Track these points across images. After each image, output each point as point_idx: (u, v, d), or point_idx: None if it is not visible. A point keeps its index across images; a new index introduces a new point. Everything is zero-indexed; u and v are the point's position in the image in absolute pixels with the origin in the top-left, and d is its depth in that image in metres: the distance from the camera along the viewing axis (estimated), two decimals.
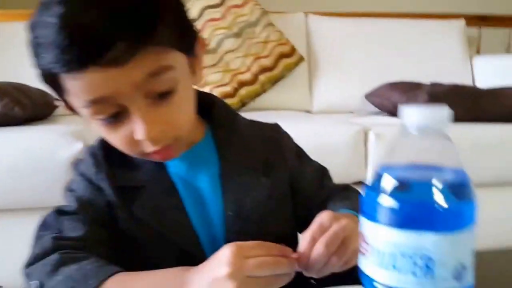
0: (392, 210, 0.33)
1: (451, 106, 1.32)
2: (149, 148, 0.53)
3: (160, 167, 0.61)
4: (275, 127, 0.72)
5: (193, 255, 0.60)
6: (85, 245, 0.56)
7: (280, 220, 0.66)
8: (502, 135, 1.44)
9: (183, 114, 0.55)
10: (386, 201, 0.33)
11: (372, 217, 0.35)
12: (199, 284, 0.46)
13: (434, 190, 0.33)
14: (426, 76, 1.65)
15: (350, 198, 0.66)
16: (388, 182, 0.34)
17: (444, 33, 2.05)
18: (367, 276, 0.35)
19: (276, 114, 1.69)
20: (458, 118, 1.48)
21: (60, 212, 0.59)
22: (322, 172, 0.72)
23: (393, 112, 1.59)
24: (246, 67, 1.70)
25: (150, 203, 0.60)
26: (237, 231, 0.61)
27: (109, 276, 0.50)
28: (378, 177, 0.35)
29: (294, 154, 0.71)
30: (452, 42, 2.04)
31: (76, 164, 0.63)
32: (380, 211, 0.34)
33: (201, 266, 0.48)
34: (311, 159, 0.73)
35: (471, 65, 2.03)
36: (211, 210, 0.63)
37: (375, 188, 0.35)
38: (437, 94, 1.49)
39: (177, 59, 0.52)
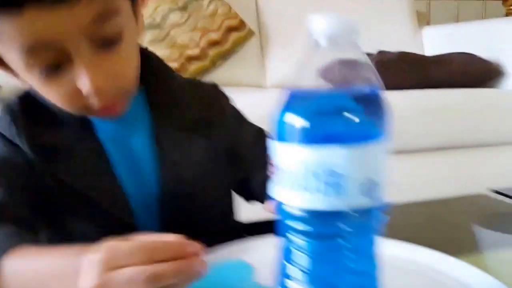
0: (298, 126, 0.31)
1: (399, 73, 1.34)
2: (94, 102, 0.48)
3: (87, 127, 0.57)
4: (214, 87, 0.69)
5: (123, 221, 0.57)
6: (2, 211, 0.51)
7: (217, 183, 0.64)
8: (448, 100, 1.47)
9: (130, 64, 0.52)
10: (291, 118, 0.31)
11: (280, 137, 0.33)
12: (88, 278, 0.37)
13: (341, 102, 0.31)
14: (377, 49, 1.66)
15: None
16: (294, 98, 0.32)
17: (393, 6, 2.07)
18: (277, 201, 0.33)
19: (228, 89, 1.65)
20: (406, 85, 1.52)
21: None
22: (261, 133, 0.69)
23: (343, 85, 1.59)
24: (194, 42, 1.65)
25: (75, 166, 0.56)
26: (172, 194, 0.58)
27: (9, 250, 0.45)
28: (285, 95, 0.33)
29: (233, 115, 0.68)
30: (402, 15, 2.07)
31: None
32: (286, 128, 0.32)
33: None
34: (249, 122, 0.70)
35: (421, 36, 2.07)
36: (145, 173, 0.59)
37: (283, 106, 0.33)
38: (384, 62, 1.50)
39: (123, 3, 0.49)
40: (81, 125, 0.56)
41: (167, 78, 0.64)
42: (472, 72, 1.59)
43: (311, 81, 0.33)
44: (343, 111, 0.31)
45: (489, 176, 1.49)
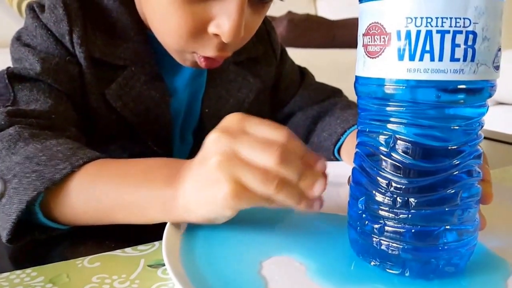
0: None
1: (309, 32, 1.33)
2: (210, 49, 0.43)
3: (146, 48, 0.49)
4: (266, 19, 0.63)
5: (158, 155, 0.49)
6: (51, 123, 0.41)
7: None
8: (353, 59, 1.52)
9: (259, 24, 0.48)
10: None
11: None
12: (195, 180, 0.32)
13: None
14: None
15: (350, 106, 0.60)
16: None
17: None
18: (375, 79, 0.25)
19: None
20: (314, 44, 1.53)
21: (13, 76, 0.43)
22: (301, 71, 0.68)
23: None
24: None
25: (130, 92, 0.49)
26: (208, 128, 0.52)
27: (86, 162, 0.35)
28: None
29: (280, 51, 0.65)
30: None
31: (34, 9, 0.46)
32: None
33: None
34: (291, 59, 0.68)
35: (315, 7, 2.12)
36: (196, 108, 0.56)
37: None
38: (295, 21, 1.48)
39: None
40: (140, 45, 0.49)
41: None
42: None
43: None
44: None
45: None
